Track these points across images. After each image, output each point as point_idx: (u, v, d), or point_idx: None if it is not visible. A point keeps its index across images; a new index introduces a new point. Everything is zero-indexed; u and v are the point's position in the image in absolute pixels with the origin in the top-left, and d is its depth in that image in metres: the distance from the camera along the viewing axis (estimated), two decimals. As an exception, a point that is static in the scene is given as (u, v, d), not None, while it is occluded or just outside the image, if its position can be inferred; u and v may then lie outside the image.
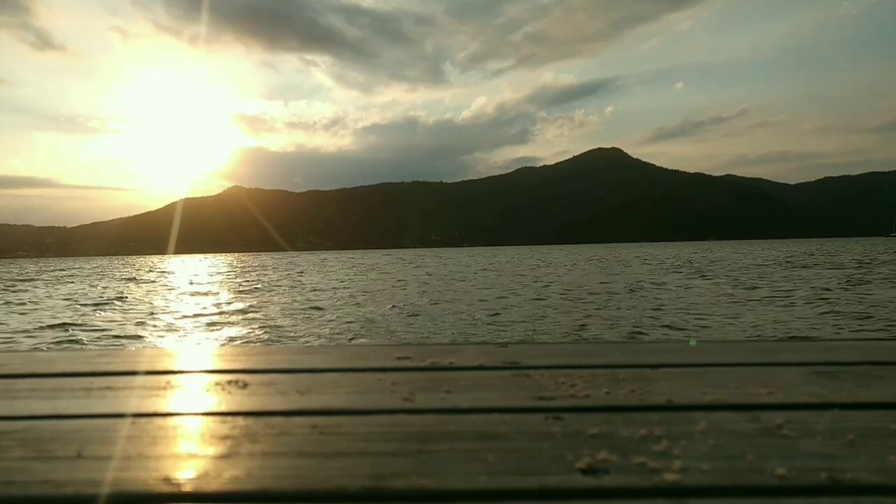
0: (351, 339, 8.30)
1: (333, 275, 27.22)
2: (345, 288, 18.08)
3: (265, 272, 32.12)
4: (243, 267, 44.18)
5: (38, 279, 30.31)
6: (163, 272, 36.70)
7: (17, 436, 0.82)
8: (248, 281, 24.20)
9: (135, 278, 28.62)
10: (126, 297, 16.28)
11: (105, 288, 20.76)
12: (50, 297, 17.49)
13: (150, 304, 14.44)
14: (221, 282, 24.52)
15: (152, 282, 24.70)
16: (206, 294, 17.67)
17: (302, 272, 30.46)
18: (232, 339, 8.79)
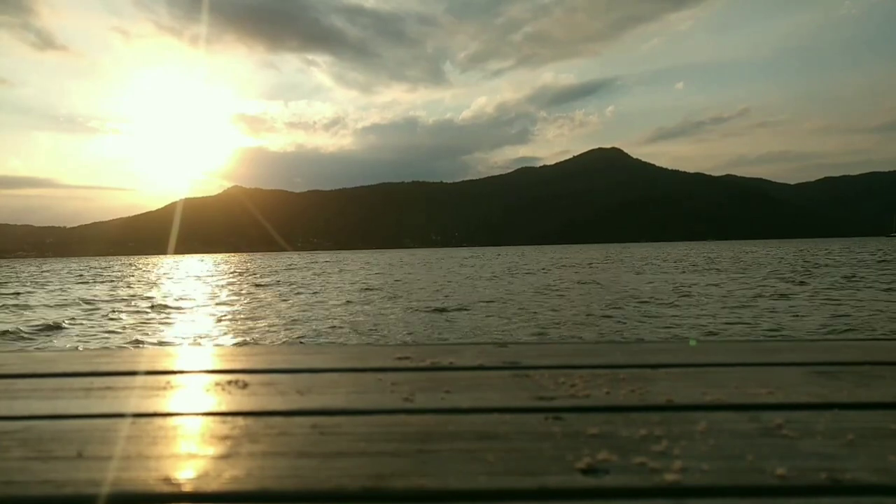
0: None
1: (408, 273, 25.36)
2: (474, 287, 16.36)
3: (325, 273, 29.13)
4: (282, 267, 40.84)
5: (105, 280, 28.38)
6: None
7: (17, 436, 0.82)
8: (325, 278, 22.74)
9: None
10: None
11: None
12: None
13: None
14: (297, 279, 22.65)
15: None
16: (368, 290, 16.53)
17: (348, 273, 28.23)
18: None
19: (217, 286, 21.03)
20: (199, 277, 29.39)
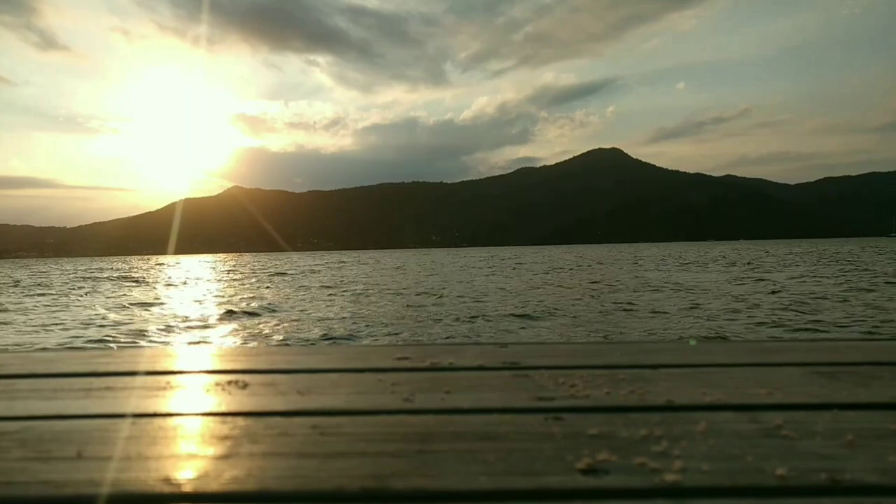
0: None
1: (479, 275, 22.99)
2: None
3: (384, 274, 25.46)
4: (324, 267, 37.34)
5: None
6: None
7: (16, 436, 0.82)
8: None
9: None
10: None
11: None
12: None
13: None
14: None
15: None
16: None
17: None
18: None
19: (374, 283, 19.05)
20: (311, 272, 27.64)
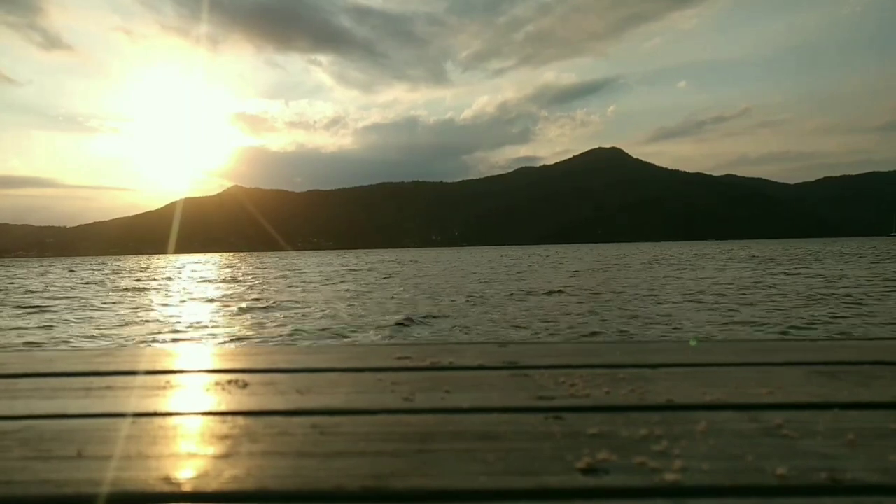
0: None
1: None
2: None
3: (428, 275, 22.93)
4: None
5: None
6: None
7: (17, 435, 0.82)
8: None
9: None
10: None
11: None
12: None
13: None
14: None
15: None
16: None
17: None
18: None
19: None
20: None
